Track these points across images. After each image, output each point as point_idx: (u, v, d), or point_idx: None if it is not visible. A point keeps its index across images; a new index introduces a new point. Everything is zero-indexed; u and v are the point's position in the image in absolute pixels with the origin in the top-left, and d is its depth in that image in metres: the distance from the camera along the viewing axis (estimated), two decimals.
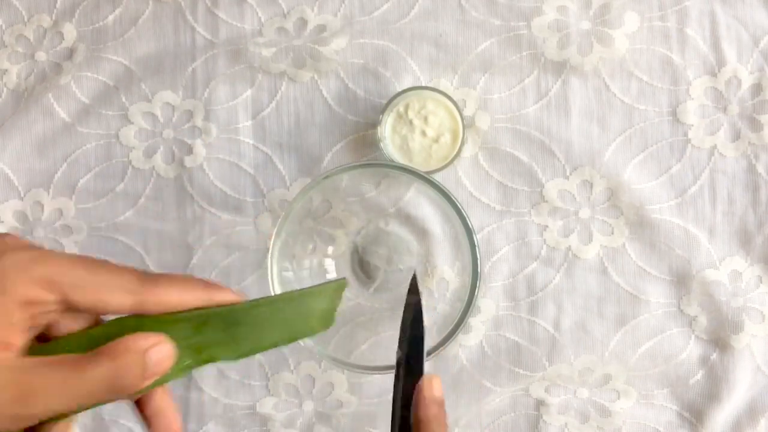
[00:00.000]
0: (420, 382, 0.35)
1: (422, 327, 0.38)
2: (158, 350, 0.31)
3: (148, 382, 0.31)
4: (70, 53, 0.68)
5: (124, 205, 0.68)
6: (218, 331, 0.35)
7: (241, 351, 0.36)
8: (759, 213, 0.65)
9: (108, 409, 0.66)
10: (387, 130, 0.63)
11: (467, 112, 0.65)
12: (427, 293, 0.65)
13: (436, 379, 0.34)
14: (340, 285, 0.39)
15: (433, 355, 0.59)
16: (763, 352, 0.65)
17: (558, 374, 0.66)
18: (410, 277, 0.40)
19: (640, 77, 0.65)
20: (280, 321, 0.37)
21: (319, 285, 0.39)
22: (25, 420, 0.29)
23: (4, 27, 0.69)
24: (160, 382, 0.33)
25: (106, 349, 0.30)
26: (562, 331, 0.66)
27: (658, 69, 0.65)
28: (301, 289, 0.39)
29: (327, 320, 0.39)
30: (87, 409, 0.31)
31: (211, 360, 0.36)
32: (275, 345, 0.37)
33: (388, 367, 0.59)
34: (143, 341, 0.31)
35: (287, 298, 0.38)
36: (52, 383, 0.29)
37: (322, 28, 0.67)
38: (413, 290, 0.41)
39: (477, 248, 0.59)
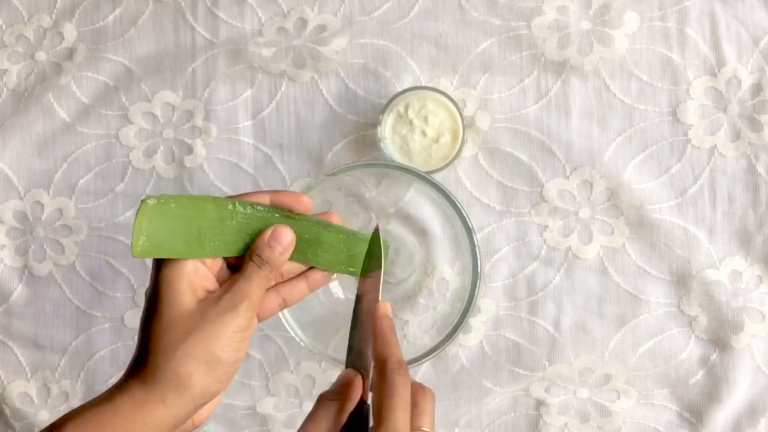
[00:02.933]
0: (376, 306, 0.44)
1: (381, 262, 0.47)
2: (282, 233, 0.45)
3: (285, 255, 0.46)
4: (70, 53, 0.68)
5: (124, 205, 0.68)
6: (300, 241, 0.47)
7: (313, 261, 0.49)
8: (759, 213, 0.65)
9: None
10: (387, 130, 0.63)
11: (467, 112, 0.65)
12: (427, 293, 0.65)
13: (386, 304, 0.44)
14: (386, 241, 0.50)
15: (433, 355, 0.59)
16: (763, 352, 0.65)
17: (558, 374, 0.66)
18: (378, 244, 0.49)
19: (640, 77, 0.65)
20: (341, 250, 0.50)
21: (371, 234, 0.50)
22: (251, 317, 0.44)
23: (4, 27, 0.69)
24: (294, 258, 0.47)
25: (257, 249, 0.45)
26: (562, 331, 0.66)
27: (658, 69, 0.65)
28: (362, 233, 0.51)
29: (380, 263, 0.48)
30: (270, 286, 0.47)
31: (303, 258, 0.49)
32: (337, 270, 0.50)
33: None
34: (269, 231, 0.45)
35: (351, 234, 0.50)
36: (246, 289, 0.43)
37: (322, 28, 0.67)
38: (376, 233, 0.49)
39: (477, 248, 0.59)
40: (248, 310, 0.43)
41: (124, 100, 0.67)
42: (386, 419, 0.38)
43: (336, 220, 0.50)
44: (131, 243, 0.42)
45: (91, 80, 0.68)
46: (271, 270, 0.45)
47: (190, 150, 0.67)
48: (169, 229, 0.42)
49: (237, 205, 0.45)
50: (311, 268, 0.49)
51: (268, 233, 0.45)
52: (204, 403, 0.43)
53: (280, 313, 0.60)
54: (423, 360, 0.60)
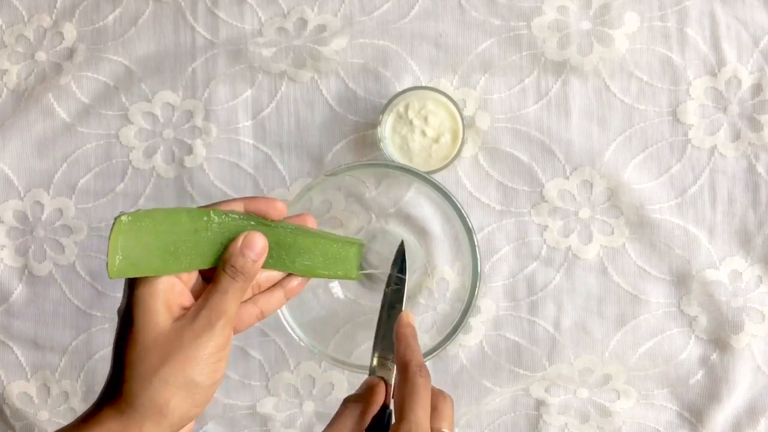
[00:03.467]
0: (399, 315, 0.47)
1: (405, 271, 0.51)
2: (254, 239, 0.44)
3: (259, 263, 0.44)
4: (70, 53, 0.68)
5: (124, 205, 0.68)
6: (277, 247, 0.47)
7: (291, 268, 0.48)
8: (759, 213, 0.65)
9: None
10: (387, 130, 0.63)
11: (467, 112, 0.65)
12: (427, 293, 0.65)
13: (408, 313, 0.47)
14: (361, 243, 0.50)
15: (433, 355, 0.59)
16: (763, 352, 0.65)
17: (558, 374, 0.66)
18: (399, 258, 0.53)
19: (640, 77, 0.65)
20: (319, 254, 0.49)
21: (348, 237, 0.50)
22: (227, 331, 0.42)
23: (4, 27, 0.69)
24: (266, 266, 0.46)
25: (230, 259, 0.43)
26: (562, 331, 0.66)
27: (658, 69, 0.65)
28: (337, 236, 0.49)
29: (352, 271, 0.50)
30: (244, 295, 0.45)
31: (280, 266, 0.48)
32: (314, 275, 0.49)
33: None
34: (241, 238, 0.44)
35: (327, 237, 0.49)
36: (222, 305, 0.42)
37: (322, 28, 0.67)
38: (401, 247, 0.52)
39: (477, 248, 0.59)
40: (225, 327, 0.42)
41: (124, 100, 0.67)
42: (407, 416, 0.40)
43: (311, 223, 0.49)
44: (107, 263, 0.41)
45: (91, 80, 0.68)
46: (245, 280, 0.44)
47: (190, 150, 0.67)
48: (144, 246, 0.41)
49: (212, 215, 0.44)
50: (288, 275, 0.48)
51: (239, 241, 0.44)
52: (181, 428, 0.42)
53: (280, 314, 0.60)
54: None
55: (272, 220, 0.47)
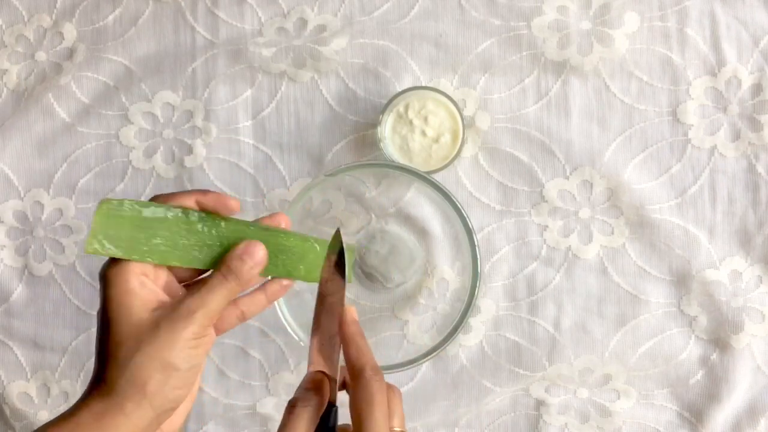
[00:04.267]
0: (342, 312, 0.44)
1: (344, 267, 0.46)
2: (255, 248, 0.45)
3: (255, 270, 0.45)
4: (70, 53, 0.68)
5: None
6: (271, 255, 0.47)
7: (279, 273, 0.48)
8: (759, 213, 0.65)
9: None
10: (387, 130, 0.63)
11: (467, 112, 0.65)
12: (427, 293, 0.65)
13: (351, 309, 0.45)
14: (350, 246, 0.48)
15: (433, 355, 0.59)
16: (763, 352, 0.65)
17: (558, 374, 0.66)
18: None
19: (640, 77, 0.65)
20: (310, 259, 0.48)
21: (323, 239, 0.49)
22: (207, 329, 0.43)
23: (4, 27, 0.69)
24: (263, 273, 0.46)
25: (227, 260, 0.44)
26: (562, 331, 0.66)
27: (658, 69, 0.65)
28: (317, 238, 0.49)
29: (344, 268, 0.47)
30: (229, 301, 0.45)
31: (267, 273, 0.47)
32: (303, 279, 0.48)
33: (388, 367, 0.59)
34: (242, 245, 0.45)
35: (317, 240, 0.48)
36: (205, 298, 0.43)
37: (322, 28, 0.67)
38: (337, 236, 0.47)
39: (477, 248, 0.59)
40: (204, 318, 0.43)
41: (124, 100, 0.67)
42: (368, 425, 0.40)
43: (285, 222, 0.49)
44: (86, 241, 0.43)
45: (91, 80, 0.68)
46: (237, 283, 0.44)
47: (190, 150, 0.67)
48: (122, 228, 0.43)
49: (194, 216, 0.45)
50: (271, 279, 0.48)
51: (241, 247, 0.45)
52: (167, 411, 0.43)
53: (280, 314, 0.60)
54: (423, 360, 0.60)
55: (253, 223, 0.47)
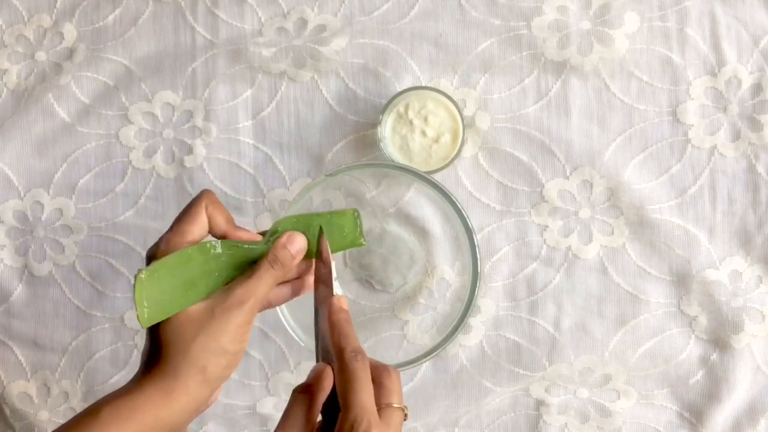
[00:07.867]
0: (331, 300, 0.48)
1: (330, 259, 0.50)
2: (295, 238, 0.50)
3: (297, 259, 0.50)
4: (70, 53, 0.68)
5: (124, 205, 0.68)
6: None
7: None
8: (759, 213, 0.65)
9: None
10: (387, 130, 0.63)
11: (467, 112, 0.65)
12: (427, 293, 0.65)
13: (341, 298, 0.48)
14: (354, 210, 0.52)
15: (433, 355, 0.59)
16: (763, 352, 0.65)
17: (558, 374, 0.66)
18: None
19: (640, 77, 0.65)
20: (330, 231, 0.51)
21: (340, 210, 0.52)
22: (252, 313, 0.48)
23: (4, 27, 0.69)
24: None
25: (273, 250, 0.49)
26: (562, 331, 0.66)
27: (658, 69, 0.65)
28: (328, 211, 0.52)
29: (356, 239, 0.51)
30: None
31: None
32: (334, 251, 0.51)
33: None
34: (285, 236, 0.50)
35: (321, 214, 0.51)
36: (255, 288, 0.47)
37: (322, 28, 0.67)
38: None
39: (477, 248, 0.59)
40: (253, 306, 0.47)
41: (124, 100, 0.67)
42: (350, 404, 0.41)
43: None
44: (137, 315, 0.46)
45: (91, 80, 0.68)
46: (282, 270, 0.49)
47: (190, 150, 0.67)
48: (165, 291, 0.46)
49: (217, 246, 0.48)
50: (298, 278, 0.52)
51: (284, 238, 0.50)
52: (219, 386, 0.48)
53: (280, 313, 0.60)
54: (423, 360, 0.60)
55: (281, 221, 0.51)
